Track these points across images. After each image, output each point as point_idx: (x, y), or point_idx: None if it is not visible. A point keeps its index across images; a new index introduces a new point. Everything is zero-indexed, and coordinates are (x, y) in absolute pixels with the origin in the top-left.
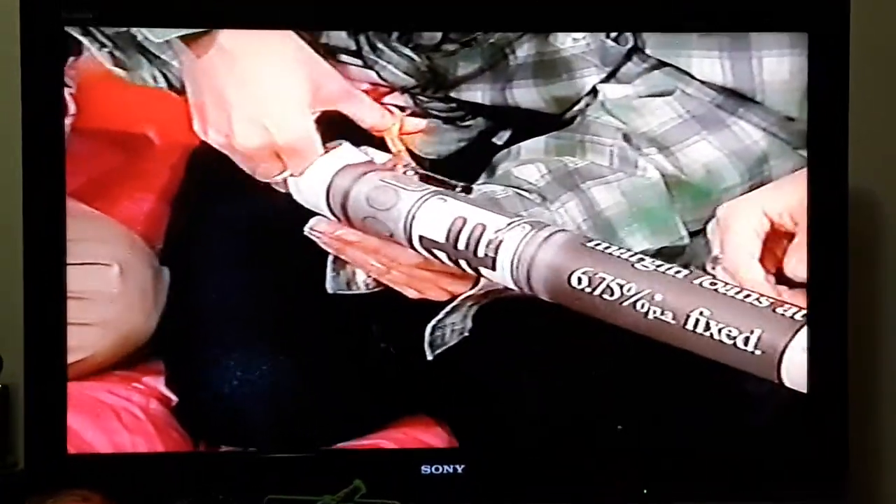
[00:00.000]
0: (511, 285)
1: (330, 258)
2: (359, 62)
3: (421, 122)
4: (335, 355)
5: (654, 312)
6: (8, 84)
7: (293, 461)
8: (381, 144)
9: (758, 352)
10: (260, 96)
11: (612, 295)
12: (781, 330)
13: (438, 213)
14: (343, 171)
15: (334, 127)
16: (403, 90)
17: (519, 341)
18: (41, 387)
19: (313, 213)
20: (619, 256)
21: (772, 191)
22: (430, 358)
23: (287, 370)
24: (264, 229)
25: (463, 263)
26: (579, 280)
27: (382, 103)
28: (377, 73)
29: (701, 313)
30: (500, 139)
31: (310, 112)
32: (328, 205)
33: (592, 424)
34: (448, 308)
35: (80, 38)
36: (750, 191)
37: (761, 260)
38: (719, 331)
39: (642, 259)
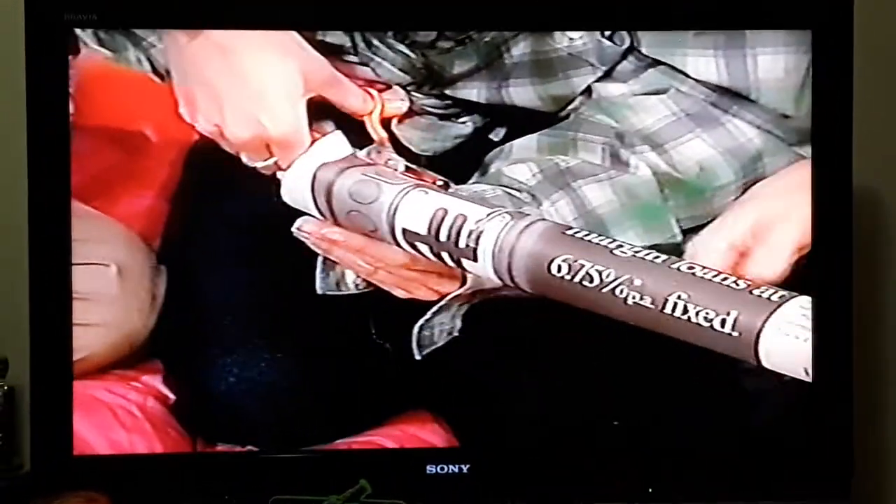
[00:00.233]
0: (493, 276)
1: (319, 259)
2: (354, 59)
3: (402, 106)
4: (330, 354)
5: (634, 298)
6: (12, 84)
7: (297, 461)
8: (363, 133)
9: (735, 333)
10: (251, 87)
11: (591, 282)
12: (757, 311)
13: (420, 205)
14: (325, 167)
15: (323, 116)
16: (399, 87)
17: (509, 340)
18: (47, 389)
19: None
20: (597, 243)
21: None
22: (418, 357)
23: (282, 368)
24: (261, 228)
25: (445, 256)
26: (559, 268)
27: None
28: (372, 69)
29: (679, 297)
30: (496, 136)
31: (301, 101)
32: (314, 202)
33: (593, 423)
34: (435, 308)
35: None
36: (744, 188)
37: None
38: (697, 314)
39: (621, 245)
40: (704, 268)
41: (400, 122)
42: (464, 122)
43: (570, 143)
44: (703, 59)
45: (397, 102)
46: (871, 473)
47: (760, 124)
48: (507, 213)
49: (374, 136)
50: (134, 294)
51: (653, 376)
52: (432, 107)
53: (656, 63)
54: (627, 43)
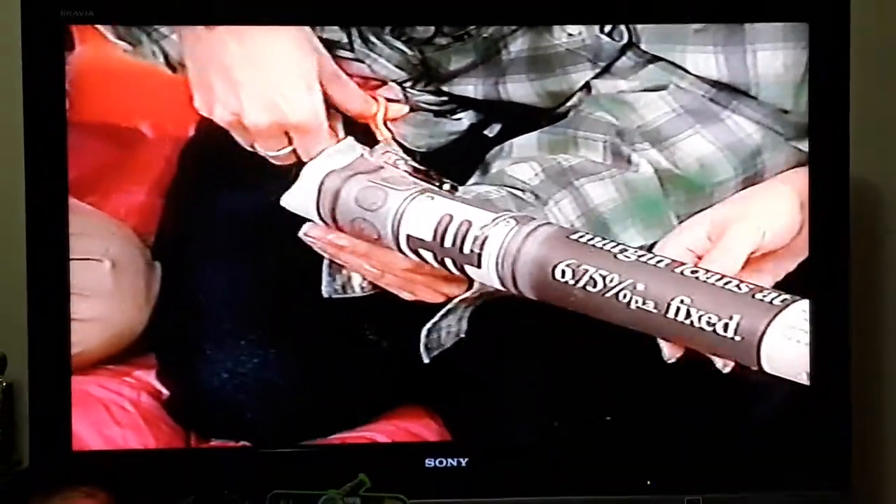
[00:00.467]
0: (497, 283)
1: (325, 262)
2: (350, 55)
3: (404, 108)
4: (327, 350)
5: (637, 302)
6: (9, 80)
7: (293, 456)
8: (370, 134)
9: (737, 338)
10: (270, 73)
11: (595, 286)
12: (760, 315)
13: (426, 211)
14: (332, 175)
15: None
16: (395, 83)
17: (514, 341)
18: (45, 385)
19: None
20: (601, 248)
21: None
22: (426, 360)
23: (276, 364)
24: (255, 224)
25: (449, 263)
26: (563, 273)
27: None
28: (368, 66)
29: (682, 301)
30: (490, 132)
31: (317, 88)
32: (317, 209)
33: (593, 419)
34: (443, 311)
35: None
36: (743, 184)
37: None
38: (699, 318)
39: (625, 249)
40: (707, 272)
41: (395, 118)
42: (458, 119)
43: (570, 140)
44: (702, 55)
45: (399, 104)
46: (870, 474)
47: (759, 120)
48: (511, 217)
49: (380, 137)
50: (128, 289)
51: (653, 376)
52: (427, 103)
53: (655, 59)
54: (626, 39)
